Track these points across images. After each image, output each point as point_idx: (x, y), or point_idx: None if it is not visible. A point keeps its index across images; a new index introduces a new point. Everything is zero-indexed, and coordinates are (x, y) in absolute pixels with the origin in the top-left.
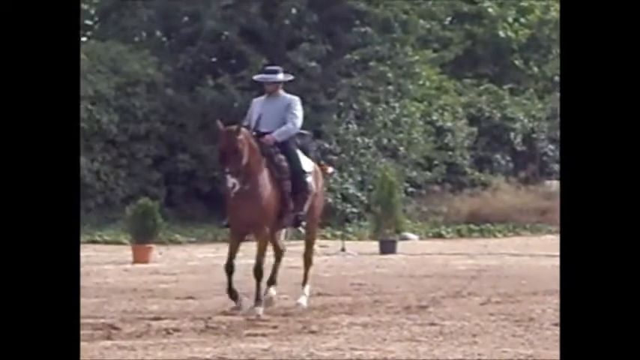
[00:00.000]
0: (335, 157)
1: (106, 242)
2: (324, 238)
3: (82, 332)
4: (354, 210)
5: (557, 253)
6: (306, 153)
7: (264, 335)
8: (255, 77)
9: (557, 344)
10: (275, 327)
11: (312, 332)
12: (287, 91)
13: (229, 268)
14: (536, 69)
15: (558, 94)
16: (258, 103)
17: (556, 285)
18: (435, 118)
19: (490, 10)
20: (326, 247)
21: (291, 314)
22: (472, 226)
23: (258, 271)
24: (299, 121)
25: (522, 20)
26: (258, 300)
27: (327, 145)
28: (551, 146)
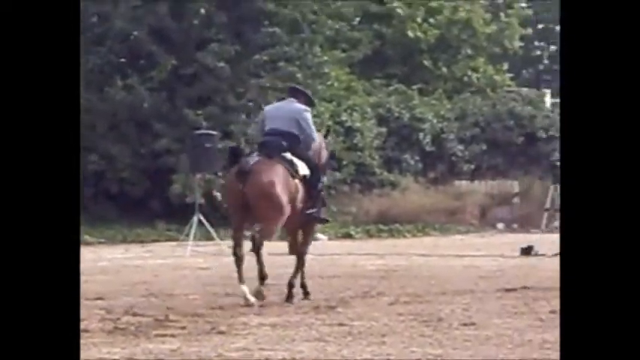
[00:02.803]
0: None
1: None
2: None
3: None
4: None
5: (466, 253)
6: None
7: (172, 336)
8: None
9: (466, 344)
10: (184, 327)
11: (221, 333)
12: (195, 90)
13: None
14: (445, 69)
15: (467, 95)
16: (270, 108)
17: (465, 285)
18: (343, 118)
19: (399, 10)
20: None
21: (200, 315)
22: (381, 227)
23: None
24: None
25: (431, 20)
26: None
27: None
28: (460, 146)
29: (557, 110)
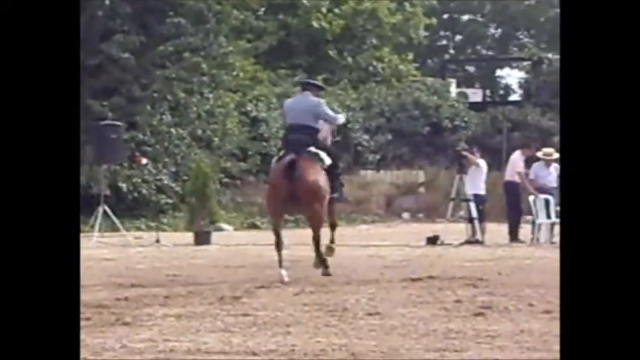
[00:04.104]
0: (149, 149)
1: None
2: (139, 229)
3: None
4: (169, 201)
5: (372, 243)
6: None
7: None
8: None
9: (371, 334)
10: (88, 319)
11: (126, 324)
12: (100, 81)
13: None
14: (350, 59)
15: (372, 85)
16: (290, 102)
17: (370, 274)
18: (249, 108)
19: (304, 0)
20: (140, 239)
21: (105, 306)
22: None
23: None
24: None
25: (336, 11)
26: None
27: (141, 137)
28: (365, 136)
29: (463, 100)
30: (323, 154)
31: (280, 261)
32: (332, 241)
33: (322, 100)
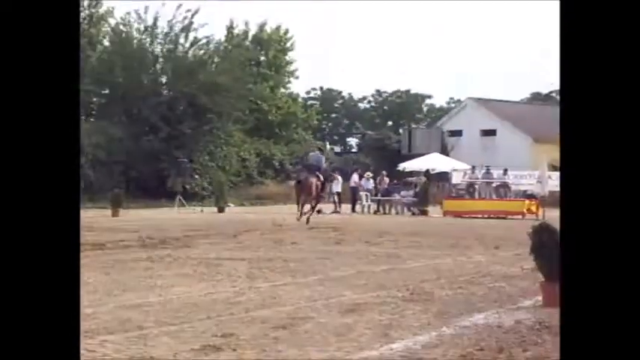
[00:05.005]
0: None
1: None
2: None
3: None
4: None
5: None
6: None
7: None
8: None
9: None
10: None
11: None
12: None
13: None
14: None
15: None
16: (312, 155)
17: (302, 227)
18: None
19: None
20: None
21: (176, 238)
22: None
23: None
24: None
25: None
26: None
27: None
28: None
29: (332, 151)
30: (319, 174)
31: (301, 213)
32: (310, 214)
33: (322, 155)
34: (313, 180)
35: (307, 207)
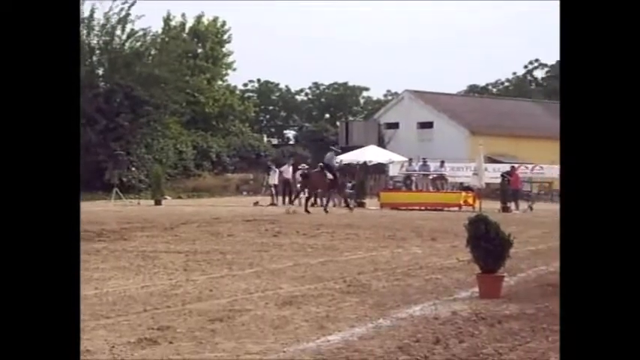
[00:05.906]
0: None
1: None
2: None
3: None
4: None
5: (235, 204)
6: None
7: None
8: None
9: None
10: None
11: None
12: None
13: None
14: None
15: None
16: (328, 155)
17: (238, 219)
18: None
19: None
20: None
21: (114, 230)
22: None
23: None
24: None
25: None
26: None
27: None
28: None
29: (270, 143)
30: (331, 173)
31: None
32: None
33: (335, 156)
34: (322, 176)
35: (310, 200)
